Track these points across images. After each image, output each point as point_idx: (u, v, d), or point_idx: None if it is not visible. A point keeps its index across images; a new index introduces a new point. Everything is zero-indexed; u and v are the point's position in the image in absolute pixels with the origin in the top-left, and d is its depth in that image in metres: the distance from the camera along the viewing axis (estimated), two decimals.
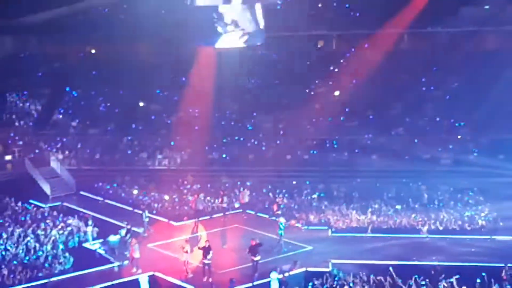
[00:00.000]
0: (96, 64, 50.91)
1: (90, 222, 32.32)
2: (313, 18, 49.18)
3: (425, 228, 32.40)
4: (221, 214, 35.13)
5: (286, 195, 37.63)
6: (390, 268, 25.56)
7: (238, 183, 39.09)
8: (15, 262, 28.32)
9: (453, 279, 24.34)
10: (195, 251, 27.99)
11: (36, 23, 45.57)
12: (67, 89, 49.93)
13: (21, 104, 49.33)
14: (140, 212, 34.27)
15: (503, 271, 25.44)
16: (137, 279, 26.03)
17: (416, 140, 43.84)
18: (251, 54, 48.85)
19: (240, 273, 27.47)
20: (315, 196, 37.14)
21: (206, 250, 26.93)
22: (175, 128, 46.18)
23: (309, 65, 50.14)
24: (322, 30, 49.89)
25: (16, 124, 47.49)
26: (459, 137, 43.53)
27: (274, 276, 25.06)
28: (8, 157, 43.10)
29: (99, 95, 49.56)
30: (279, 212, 34.08)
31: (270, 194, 37.95)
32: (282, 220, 31.15)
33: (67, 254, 29.47)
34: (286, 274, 26.23)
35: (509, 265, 25.67)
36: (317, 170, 41.84)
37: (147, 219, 33.24)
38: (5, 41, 50.92)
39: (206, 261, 26.87)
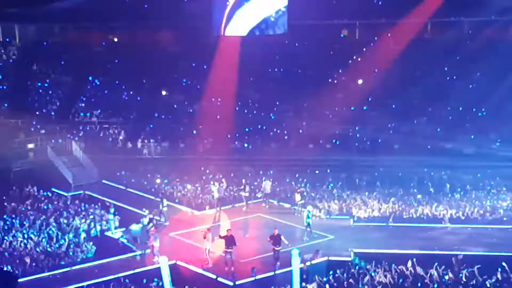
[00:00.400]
0: (119, 52, 51.09)
1: (112, 211, 32.43)
2: (336, 7, 48.93)
3: (447, 218, 32.23)
4: (243, 203, 35.12)
5: (308, 185, 37.55)
6: (414, 259, 25.41)
7: (261, 172, 39.06)
8: (38, 249, 28.49)
9: (474, 269, 24.21)
10: (216, 240, 28.03)
11: (59, 11, 45.82)
12: (90, 78, 50.05)
13: (43, 92, 49.53)
14: (159, 200, 34.29)
15: None
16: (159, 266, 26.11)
17: (438, 129, 43.54)
18: (273, 43, 48.80)
19: (261, 262, 27.50)
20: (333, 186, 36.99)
21: (228, 239, 26.95)
22: (198, 117, 46.25)
23: (332, 54, 49.92)
24: (345, 19, 49.65)
25: (38, 112, 47.71)
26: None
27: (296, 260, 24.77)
28: (30, 145, 43.28)
29: (122, 84, 49.65)
30: (302, 201, 34.03)
31: (293, 183, 37.89)
32: (309, 208, 31.24)
33: (89, 243, 29.60)
34: (308, 263, 26.20)
35: None
36: (339, 159, 41.73)
37: (165, 208, 33.33)
38: (28, 29, 51.25)
39: (228, 250, 26.87)
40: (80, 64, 50.42)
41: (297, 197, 34.48)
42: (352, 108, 45.68)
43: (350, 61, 48.91)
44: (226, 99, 45.97)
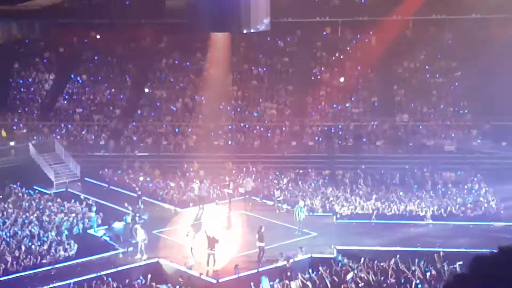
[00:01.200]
0: (101, 49, 50.89)
1: (94, 209, 32.31)
2: (319, 5, 49.07)
3: (429, 214, 32.43)
4: (226, 200, 35.05)
5: (291, 183, 37.64)
6: (397, 256, 25.57)
7: (244, 169, 39.08)
8: (20, 247, 28.31)
9: (456, 265, 24.39)
10: (200, 238, 28.02)
11: (40, 8, 45.53)
12: (72, 75, 49.79)
13: (25, 90, 49.21)
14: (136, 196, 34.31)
15: None
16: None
17: (420, 127, 43.79)
18: (257, 41, 48.89)
19: (245, 259, 27.53)
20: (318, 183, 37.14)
21: (211, 239, 26.92)
22: (181, 114, 46.17)
23: (314, 51, 50.07)
24: (327, 17, 49.75)
25: (20, 110, 47.41)
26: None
27: None
28: (12, 143, 42.99)
29: (104, 81, 49.45)
30: (281, 197, 34.26)
31: (275, 181, 37.96)
32: (301, 203, 31.52)
33: (71, 241, 29.47)
34: (291, 261, 26.28)
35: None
36: (322, 156, 41.87)
37: (142, 205, 33.34)
38: (11, 27, 50.88)
39: (211, 251, 26.84)
40: (62, 62, 50.17)
41: (277, 193, 34.68)
42: (334, 105, 45.78)
43: (333, 58, 49.03)
44: (209, 96, 45.84)
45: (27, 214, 32.35)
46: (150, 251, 28.28)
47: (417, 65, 47.90)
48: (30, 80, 49.67)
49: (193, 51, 49.18)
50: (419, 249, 28.02)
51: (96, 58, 50.86)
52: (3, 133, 43.63)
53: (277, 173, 38.82)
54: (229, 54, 45.84)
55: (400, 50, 46.93)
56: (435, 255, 26.10)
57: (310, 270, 25.30)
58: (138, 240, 28.25)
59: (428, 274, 24.41)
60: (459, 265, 24.35)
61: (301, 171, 39.50)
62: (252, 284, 23.71)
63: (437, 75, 47.32)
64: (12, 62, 50.21)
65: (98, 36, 52.31)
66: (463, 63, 46.33)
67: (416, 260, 25.16)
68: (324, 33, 51.45)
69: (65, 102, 48.35)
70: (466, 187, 36.20)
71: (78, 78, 49.85)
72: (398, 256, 25.59)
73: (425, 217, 32.38)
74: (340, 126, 44.56)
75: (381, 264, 25.34)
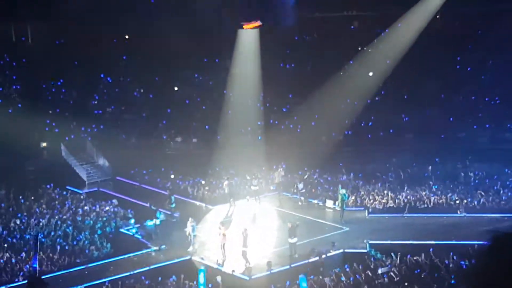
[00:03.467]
0: (130, 49, 51.11)
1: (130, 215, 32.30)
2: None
3: (462, 207, 32.10)
4: (256, 197, 34.99)
5: (322, 176, 37.55)
6: (431, 250, 25.35)
7: (274, 167, 38.93)
8: (54, 248, 28.60)
9: None
10: (231, 235, 28.06)
11: (70, 10, 45.85)
12: (102, 75, 50.13)
13: (56, 91, 49.64)
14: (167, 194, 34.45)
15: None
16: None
17: (451, 119, 43.33)
18: (284, 37, 48.72)
19: (277, 255, 27.49)
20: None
21: (244, 237, 26.92)
22: (210, 112, 46.24)
23: (342, 46, 49.74)
24: (354, 11, 49.44)
25: (51, 111, 47.78)
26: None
27: None
28: (44, 144, 43.46)
29: (133, 81, 49.71)
30: (304, 190, 34.28)
31: (305, 176, 37.84)
32: (343, 191, 31.84)
33: (104, 240, 29.69)
34: (324, 256, 26.18)
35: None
36: (352, 150, 41.65)
37: (173, 205, 33.40)
38: (41, 29, 51.29)
39: (244, 248, 26.86)
40: (92, 62, 50.49)
41: (300, 186, 34.73)
42: (364, 99, 45.45)
43: (361, 53, 48.65)
44: (238, 93, 45.89)
45: (61, 214, 32.67)
46: (182, 248, 28.35)
47: (447, 57, 47.32)
48: (61, 81, 50.05)
49: (221, 49, 49.15)
50: (453, 242, 27.75)
51: (125, 58, 51.08)
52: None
53: (305, 169, 38.64)
54: (258, 51, 45.75)
55: (429, 42, 46.42)
56: (469, 248, 25.81)
57: (345, 265, 25.20)
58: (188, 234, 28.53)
59: (463, 267, 24.15)
60: None
61: (332, 165, 39.36)
62: (287, 282, 23.66)
63: (469, 68, 46.72)
64: (43, 63, 50.59)
65: (126, 36, 52.52)
66: (494, 54, 45.70)
67: (451, 254, 24.88)
68: (352, 27, 51.13)
69: (96, 102, 48.71)
70: (499, 179, 35.74)
71: (108, 78, 50.16)
72: (431, 250, 25.36)
73: (458, 209, 32.05)
74: (370, 120, 44.27)
75: (415, 258, 25.13)
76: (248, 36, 44.16)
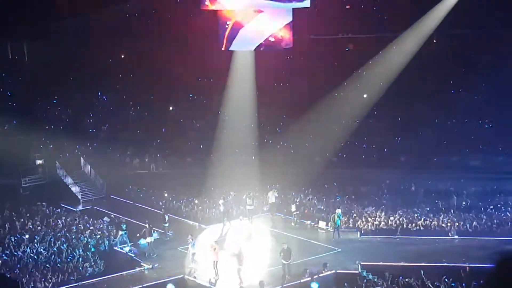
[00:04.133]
0: (126, 68, 51.39)
1: (124, 226, 32.38)
2: (341, 21, 49.13)
3: (454, 230, 32.30)
4: (250, 217, 35.18)
5: (315, 197, 37.77)
6: (422, 272, 25.54)
7: (268, 186, 39.09)
8: (48, 265, 28.68)
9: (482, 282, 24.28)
10: (224, 254, 28.21)
11: (66, 28, 46.15)
12: (98, 94, 50.36)
13: (52, 109, 49.87)
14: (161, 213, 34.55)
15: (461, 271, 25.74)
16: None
17: (444, 142, 43.66)
18: (279, 58, 49.02)
19: (269, 275, 27.60)
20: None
21: (239, 256, 27.04)
22: (204, 131, 46.48)
23: (337, 67, 50.09)
24: (349, 33, 49.85)
25: (47, 127, 48.01)
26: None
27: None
28: (39, 161, 43.61)
29: (129, 100, 49.95)
30: (297, 212, 34.56)
31: (300, 196, 38.06)
32: (339, 211, 32.55)
33: (98, 258, 29.77)
34: (316, 277, 26.32)
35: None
36: (345, 172, 41.92)
37: (167, 224, 33.48)
38: (37, 47, 51.58)
39: (239, 267, 26.97)
40: (88, 81, 50.74)
41: (293, 207, 34.96)
42: (357, 121, 45.78)
43: (354, 74, 48.97)
44: (231, 113, 46.14)
45: (55, 231, 32.76)
46: (175, 267, 28.46)
47: (440, 80, 47.71)
48: (56, 98, 50.27)
49: (217, 69, 49.46)
50: (445, 264, 27.93)
51: (120, 76, 51.34)
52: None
53: (303, 189, 38.87)
54: (253, 71, 46.01)
55: (423, 64, 46.81)
56: (461, 270, 26.01)
57: (337, 286, 25.35)
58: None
59: None
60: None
61: (326, 185, 39.61)
62: None
63: (461, 89, 47.13)
64: (39, 81, 50.83)
65: (122, 56, 52.81)
66: (486, 77, 46.14)
67: (443, 277, 25.07)
68: (347, 49, 51.50)
69: (91, 120, 48.91)
70: (492, 202, 35.99)
71: (104, 97, 50.41)
72: (422, 272, 25.55)
73: (450, 232, 32.25)
74: (363, 142, 44.59)
75: (406, 279, 25.30)
76: (244, 56, 44.44)
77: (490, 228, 32.61)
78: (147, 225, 31.83)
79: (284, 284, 26.76)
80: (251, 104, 46.83)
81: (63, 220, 34.75)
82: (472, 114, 45.34)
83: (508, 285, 2.09)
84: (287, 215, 35.83)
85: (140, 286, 26.97)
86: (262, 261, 29.22)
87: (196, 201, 37.85)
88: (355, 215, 34.77)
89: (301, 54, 49.72)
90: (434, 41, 47.12)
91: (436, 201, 36.50)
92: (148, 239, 30.95)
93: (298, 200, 36.66)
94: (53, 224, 34.19)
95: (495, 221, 33.25)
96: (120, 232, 31.98)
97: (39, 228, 33.40)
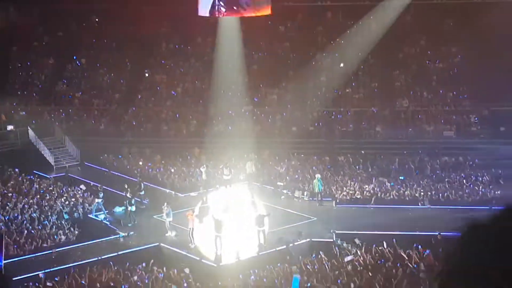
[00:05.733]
0: (100, 33, 50.66)
1: (101, 195, 32.09)
2: None
3: (426, 199, 32.61)
4: (226, 185, 35.15)
5: (291, 168, 37.84)
6: (394, 240, 25.80)
7: (245, 156, 38.96)
8: (21, 233, 28.44)
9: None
10: (201, 222, 28.24)
11: None
12: (71, 60, 49.67)
13: (24, 74, 49.13)
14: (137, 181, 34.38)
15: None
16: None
17: (419, 115, 43.83)
18: (257, 26, 48.64)
19: (245, 244, 27.68)
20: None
21: (218, 223, 26.99)
22: (181, 100, 46.18)
23: (314, 36, 49.86)
24: (328, 1, 49.63)
25: (19, 93, 47.36)
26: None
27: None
28: (11, 127, 42.97)
29: (104, 65, 49.34)
30: (281, 183, 34.65)
31: (277, 168, 38.07)
32: (318, 176, 32.86)
33: (72, 225, 29.58)
34: (291, 245, 26.47)
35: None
36: (322, 141, 42.00)
37: (142, 192, 33.37)
38: (8, 11, 50.69)
39: (218, 234, 26.93)
40: (61, 46, 50.02)
41: (278, 181, 35.04)
42: (335, 91, 45.69)
43: (333, 43, 48.78)
44: (209, 81, 45.82)
45: (27, 198, 32.46)
46: (151, 235, 28.46)
47: (417, 51, 47.78)
48: (29, 64, 49.53)
49: (195, 36, 49.04)
50: (417, 233, 28.23)
51: (94, 41, 50.65)
52: (3, 117, 43.59)
53: (276, 157, 38.94)
54: (237, 39, 45.32)
55: (400, 35, 46.79)
56: (432, 239, 26.32)
57: (312, 254, 25.54)
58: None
59: (425, 257, 24.63)
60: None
61: (302, 155, 39.67)
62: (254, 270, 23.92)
63: (437, 61, 47.24)
64: (10, 46, 50.08)
65: (97, 20, 52.02)
66: (464, 49, 46.29)
67: (414, 244, 25.35)
68: (325, 18, 51.24)
69: (65, 86, 48.33)
70: (464, 172, 36.36)
71: (78, 62, 49.77)
72: (394, 240, 25.80)
73: (421, 201, 32.56)
74: (340, 112, 44.62)
75: (379, 248, 25.55)
76: (225, 24, 44.03)
77: (462, 198, 32.97)
78: (138, 178, 31.84)
79: (260, 252, 26.89)
80: (229, 73, 46.45)
81: (36, 187, 34.43)
82: (447, 85, 45.47)
83: (471, 254, 2.07)
84: (263, 185, 35.89)
85: (116, 253, 26.91)
86: (238, 230, 29.25)
87: (173, 170, 37.73)
88: (330, 184, 34.91)
89: (279, 22, 49.40)
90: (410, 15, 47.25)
91: (410, 171, 36.75)
92: (129, 208, 30.78)
93: (281, 172, 36.57)
94: (25, 191, 33.87)
95: (466, 191, 33.62)
96: (97, 200, 31.81)
97: (10, 195, 33.00)
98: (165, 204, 29.39)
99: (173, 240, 28.41)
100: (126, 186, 32.38)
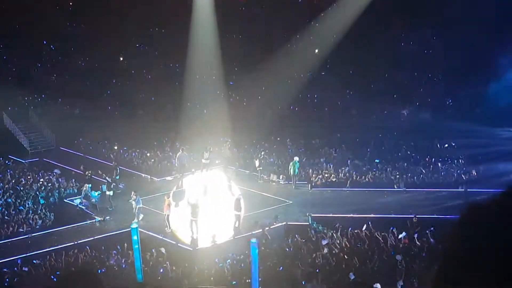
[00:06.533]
0: (73, 17, 50.15)
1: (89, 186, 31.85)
2: None
3: (402, 182, 32.88)
4: (203, 169, 35.13)
5: (266, 151, 37.93)
6: (369, 223, 26.07)
7: (221, 139, 38.96)
8: None
9: (428, 231, 24.90)
10: (178, 206, 28.26)
11: None
12: (45, 43, 49.20)
13: None
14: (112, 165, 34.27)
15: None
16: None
17: (394, 95, 44.09)
18: (231, 9, 48.52)
19: (222, 228, 27.78)
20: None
21: (194, 208, 27.03)
22: (156, 84, 45.99)
23: (289, 19, 49.77)
24: None
25: None
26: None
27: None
28: None
29: (78, 50, 48.92)
30: (261, 168, 34.65)
31: (251, 150, 38.16)
32: (296, 158, 33.08)
33: (48, 210, 29.50)
34: (267, 228, 26.60)
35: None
36: (298, 125, 42.10)
37: (118, 176, 33.27)
38: None
39: (194, 218, 26.98)
40: (34, 29, 49.42)
41: (256, 163, 34.95)
42: (309, 74, 45.79)
43: (307, 27, 48.76)
44: (184, 66, 45.65)
45: (3, 183, 32.28)
46: (127, 219, 28.43)
47: (392, 33, 47.88)
48: (1, 47, 48.96)
49: (169, 18, 48.71)
50: (392, 215, 28.50)
51: (68, 24, 50.11)
52: None
53: (253, 141, 39.02)
54: (211, 21, 45.12)
55: (374, 18, 46.83)
56: (407, 221, 26.61)
57: (288, 237, 25.70)
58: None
59: (400, 240, 24.90)
60: (430, 231, 24.83)
61: (278, 139, 39.77)
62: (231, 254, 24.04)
63: (411, 42, 47.44)
64: None
65: (70, 3, 51.45)
66: (438, 30, 46.48)
67: (391, 228, 25.62)
68: (299, 0, 51.18)
69: (37, 70, 47.87)
70: (440, 155, 36.68)
71: (52, 46, 49.27)
72: (369, 222, 26.06)
73: (396, 184, 32.84)
74: (316, 95, 44.72)
75: (355, 231, 25.78)
76: (201, 5, 43.84)
77: (437, 180, 33.28)
78: (113, 163, 31.87)
79: (236, 236, 27.01)
80: (204, 56, 46.34)
81: (11, 172, 34.25)
82: (422, 67, 45.75)
83: (473, 236, 2.09)
84: (239, 168, 35.97)
85: (92, 238, 26.88)
86: (214, 214, 29.34)
87: (148, 154, 37.66)
88: (306, 167, 35.08)
89: (254, 3, 49.25)
90: None
91: (385, 154, 37.04)
92: (108, 192, 30.70)
93: (258, 155, 36.64)
94: (0, 176, 33.67)
95: (441, 173, 33.95)
96: (86, 185, 31.41)
97: None
98: (133, 192, 29.21)
99: (149, 225, 28.38)
100: (99, 172, 32.19)
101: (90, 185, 31.39)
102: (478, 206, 2.44)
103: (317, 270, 22.41)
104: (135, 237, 21.12)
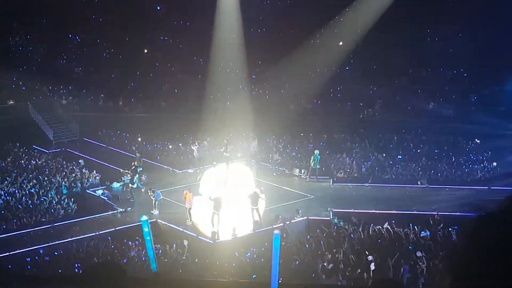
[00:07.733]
0: (99, 9, 50.40)
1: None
2: None
3: (425, 178, 32.66)
4: (224, 163, 35.09)
5: (289, 145, 37.86)
6: (392, 221, 25.90)
7: (244, 134, 38.88)
8: (19, 206, 28.56)
9: (451, 229, 24.72)
10: (199, 199, 28.34)
11: None
12: (70, 35, 49.50)
13: (24, 49, 48.98)
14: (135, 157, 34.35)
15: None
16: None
17: (419, 91, 43.78)
18: (256, 2, 48.43)
19: (242, 221, 27.78)
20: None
21: (217, 201, 27.03)
22: (180, 76, 46.06)
23: (313, 13, 49.52)
24: None
25: (20, 69, 47.22)
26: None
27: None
28: (11, 102, 42.99)
29: (103, 41, 49.20)
30: (279, 161, 34.60)
31: (274, 143, 38.07)
32: (317, 152, 33.03)
33: (71, 200, 29.70)
34: (288, 223, 26.58)
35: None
36: (320, 119, 41.94)
37: (141, 168, 33.29)
38: None
39: (216, 212, 26.99)
40: (60, 21, 49.73)
41: (275, 156, 34.89)
42: (333, 68, 45.57)
43: (331, 22, 48.55)
44: (207, 58, 45.66)
45: (26, 173, 32.55)
46: (148, 211, 28.55)
47: (417, 28, 47.49)
48: (28, 38, 49.33)
49: (193, 12, 48.77)
50: (415, 212, 28.33)
51: (94, 17, 50.40)
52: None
53: (273, 137, 38.92)
54: (236, 15, 45.08)
55: (400, 12, 46.47)
56: (430, 218, 26.43)
57: (309, 232, 25.66)
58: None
59: (422, 237, 24.75)
60: (454, 229, 24.65)
61: (301, 134, 39.65)
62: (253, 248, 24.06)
63: (437, 39, 47.06)
64: (10, 20, 49.80)
65: None
66: (464, 27, 46.05)
67: (411, 224, 25.47)
68: None
69: (64, 61, 48.21)
70: (463, 152, 36.38)
71: (77, 37, 49.57)
72: (393, 221, 25.91)
73: (420, 180, 32.61)
74: (338, 89, 44.52)
75: (377, 227, 25.65)
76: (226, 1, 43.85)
77: (460, 178, 33.00)
78: (137, 154, 32.26)
79: (256, 230, 26.99)
80: (228, 49, 46.32)
81: (35, 162, 34.52)
82: (447, 64, 45.38)
83: (495, 236, 2.03)
84: (261, 162, 35.86)
85: (113, 229, 27.03)
86: (235, 207, 29.34)
87: (170, 146, 37.76)
88: (328, 162, 34.96)
89: None
90: None
91: (409, 150, 36.79)
92: (130, 185, 30.89)
93: (277, 149, 36.56)
94: (24, 166, 33.95)
95: (466, 170, 33.66)
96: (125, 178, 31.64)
97: (10, 169, 33.11)
98: (149, 191, 29.17)
99: (170, 217, 28.47)
100: (122, 171, 32.36)
101: (128, 177, 31.58)
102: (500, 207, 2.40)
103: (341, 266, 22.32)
104: (146, 229, 21.17)
